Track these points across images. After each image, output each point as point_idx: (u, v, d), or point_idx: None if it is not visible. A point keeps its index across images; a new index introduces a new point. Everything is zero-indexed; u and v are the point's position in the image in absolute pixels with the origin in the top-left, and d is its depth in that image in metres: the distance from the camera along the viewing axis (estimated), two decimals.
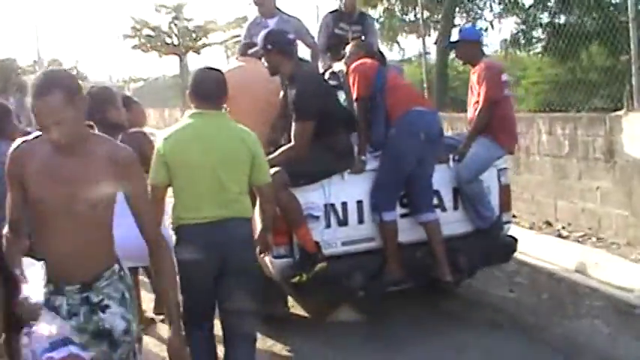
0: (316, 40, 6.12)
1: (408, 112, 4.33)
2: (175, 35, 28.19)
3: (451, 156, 4.67)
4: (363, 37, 5.94)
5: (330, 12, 6.32)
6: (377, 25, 13.70)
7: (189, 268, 3.15)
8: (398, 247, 4.43)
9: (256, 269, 3.50)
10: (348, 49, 4.95)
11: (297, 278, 4.15)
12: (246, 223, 3.30)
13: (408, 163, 4.31)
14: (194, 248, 3.13)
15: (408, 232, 4.50)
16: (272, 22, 5.52)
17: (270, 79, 4.51)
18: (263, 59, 4.35)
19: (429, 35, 12.40)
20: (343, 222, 4.43)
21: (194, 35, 27.98)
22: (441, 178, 4.63)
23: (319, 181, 4.33)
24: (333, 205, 4.37)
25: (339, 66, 5.11)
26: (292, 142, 4.16)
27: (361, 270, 4.36)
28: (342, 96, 4.87)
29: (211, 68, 3.42)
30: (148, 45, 22.40)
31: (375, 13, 14.58)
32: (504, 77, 4.89)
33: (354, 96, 4.53)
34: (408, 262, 4.45)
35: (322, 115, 4.17)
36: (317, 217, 4.32)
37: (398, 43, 15.74)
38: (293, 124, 4.16)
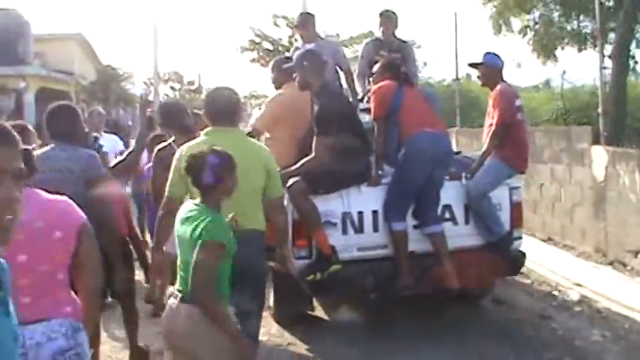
0: (357, 65, 6.70)
1: (418, 133, 4.87)
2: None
3: (464, 173, 5.13)
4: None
5: (371, 39, 6.93)
6: (520, 36, 12.89)
7: None
8: (409, 256, 4.91)
9: (265, 278, 3.77)
10: (375, 68, 5.49)
11: (312, 277, 4.73)
12: (259, 235, 3.53)
13: (416, 179, 4.86)
14: None
15: (419, 242, 4.99)
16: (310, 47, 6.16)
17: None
18: (295, 75, 4.95)
19: (587, 48, 11.54)
20: (359, 229, 5.00)
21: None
22: (454, 194, 5.14)
23: (338, 191, 4.89)
24: (350, 213, 4.95)
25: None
26: (312, 154, 4.76)
27: (374, 274, 4.92)
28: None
29: (224, 88, 3.82)
30: (267, 59, 22.16)
31: (529, 19, 13.87)
32: (518, 102, 5.38)
33: (372, 115, 5.10)
34: (418, 269, 4.92)
35: (341, 132, 4.74)
36: (335, 224, 4.91)
37: (555, 56, 14.82)
38: (314, 137, 4.74)
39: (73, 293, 2.44)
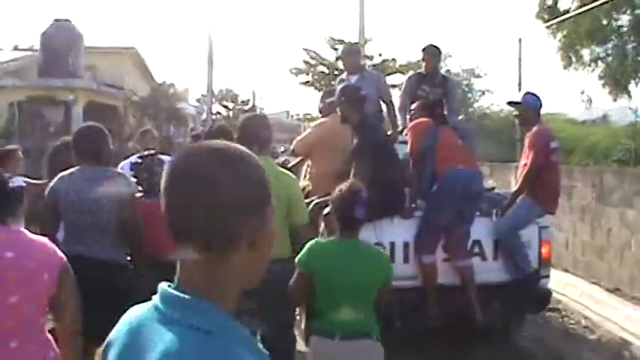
0: (399, 98, 6.93)
1: (450, 170, 5.07)
2: None
3: (494, 210, 5.32)
4: (444, 100, 6.63)
5: (414, 74, 7.16)
6: (589, 68, 11.85)
7: None
8: (437, 288, 5.10)
9: (290, 305, 3.87)
10: (414, 106, 5.73)
11: None
12: (283, 262, 3.52)
13: (446, 214, 5.08)
14: None
15: (448, 275, 5.18)
16: (354, 79, 6.43)
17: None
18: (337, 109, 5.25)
19: None
20: (390, 260, 5.17)
21: None
22: (484, 230, 5.33)
23: (371, 222, 5.11)
24: (381, 243, 5.14)
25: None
26: None
27: (401, 303, 5.09)
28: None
29: (256, 114, 4.03)
30: (322, 82, 21.30)
31: (601, 51, 13.44)
32: (554, 144, 5.56)
33: (408, 151, 5.33)
34: (445, 302, 5.10)
35: (378, 165, 4.97)
36: None
37: (628, 91, 14.18)
38: (352, 169, 4.99)
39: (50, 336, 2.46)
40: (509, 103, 6.12)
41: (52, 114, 19.85)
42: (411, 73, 7.37)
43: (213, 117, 27.68)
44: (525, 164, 5.51)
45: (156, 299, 1.18)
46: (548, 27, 14.92)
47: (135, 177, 4.28)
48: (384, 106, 6.77)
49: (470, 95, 24.08)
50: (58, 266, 2.40)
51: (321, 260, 3.28)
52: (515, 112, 5.90)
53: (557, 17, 14.68)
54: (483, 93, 23.95)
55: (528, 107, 5.70)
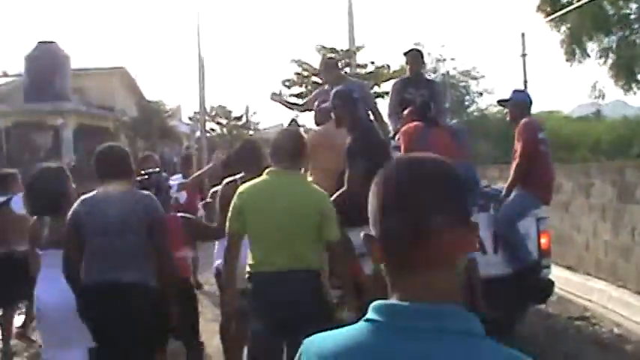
0: (387, 104, 7.03)
1: None
2: None
3: (492, 204, 5.41)
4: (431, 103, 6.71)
5: (399, 79, 7.28)
6: (600, 60, 11.43)
7: (259, 313, 3.60)
8: None
9: (322, 318, 3.64)
10: (404, 113, 5.85)
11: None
12: (313, 274, 3.64)
13: None
14: (264, 294, 3.59)
15: None
16: None
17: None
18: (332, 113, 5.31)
19: None
20: None
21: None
22: (483, 225, 5.36)
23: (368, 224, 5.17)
24: None
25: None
26: (345, 187, 5.07)
27: None
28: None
29: (290, 129, 4.00)
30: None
31: (610, 41, 13.09)
32: (541, 135, 5.70)
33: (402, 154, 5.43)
34: None
35: (372, 166, 5.02)
36: (364, 255, 5.17)
37: (638, 81, 13.89)
38: (346, 170, 5.07)
39: None
40: (499, 102, 6.22)
41: (41, 139, 19.52)
42: (396, 79, 7.48)
43: (207, 134, 27.52)
44: (515, 157, 5.61)
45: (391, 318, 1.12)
46: (551, 20, 14.42)
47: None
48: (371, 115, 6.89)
49: (468, 97, 23.96)
50: None
51: None
52: (506, 111, 6.01)
53: (560, 9, 14.13)
54: (481, 94, 23.75)
55: (517, 104, 5.82)
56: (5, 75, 23.69)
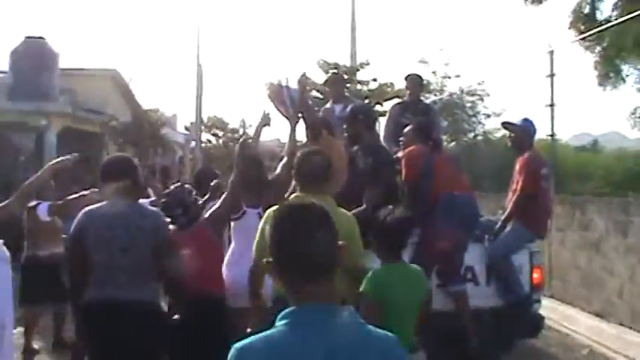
0: (384, 127, 7.10)
1: (445, 196, 5.20)
2: None
3: (486, 236, 5.48)
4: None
5: (397, 103, 7.39)
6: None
7: None
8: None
9: None
10: (404, 132, 5.90)
11: None
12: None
13: (443, 241, 5.17)
14: None
15: (442, 301, 5.29)
16: (338, 108, 6.61)
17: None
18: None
19: None
20: None
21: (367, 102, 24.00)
22: (476, 255, 5.53)
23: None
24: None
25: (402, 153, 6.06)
26: (364, 206, 4.95)
27: None
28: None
29: (314, 152, 3.84)
30: (316, 108, 19.70)
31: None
32: (544, 171, 5.79)
33: (403, 177, 5.47)
34: (439, 327, 5.20)
35: (390, 188, 5.06)
36: None
37: None
38: (367, 189, 5.05)
39: None
40: (505, 125, 6.27)
41: (22, 141, 18.66)
42: (395, 102, 7.56)
43: (203, 145, 27.38)
44: (515, 190, 5.70)
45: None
46: (583, 38, 13.11)
47: (169, 216, 4.08)
48: None
49: (474, 119, 23.30)
50: None
51: (389, 286, 3.48)
52: (509, 135, 6.08)
53: (597, 27, 12.80)
54: (489, 116, 23.13)
55: (524, 132, 5.93)
56: None
